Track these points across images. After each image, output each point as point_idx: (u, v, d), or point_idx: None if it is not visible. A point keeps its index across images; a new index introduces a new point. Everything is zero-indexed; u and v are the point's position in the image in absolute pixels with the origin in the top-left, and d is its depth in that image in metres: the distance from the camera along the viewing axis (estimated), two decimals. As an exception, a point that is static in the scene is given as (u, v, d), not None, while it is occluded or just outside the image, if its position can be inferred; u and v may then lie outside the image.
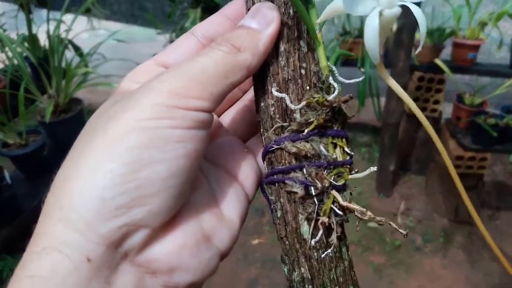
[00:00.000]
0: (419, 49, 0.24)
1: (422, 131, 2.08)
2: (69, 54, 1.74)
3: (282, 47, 0.25)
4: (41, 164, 1.38)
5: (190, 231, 0.23)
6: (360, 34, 2.05)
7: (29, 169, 1.37)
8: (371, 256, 1.74)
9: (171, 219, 0.23)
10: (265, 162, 0.27)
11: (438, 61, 1.86)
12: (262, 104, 0.26)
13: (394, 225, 0.25)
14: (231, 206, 0.26)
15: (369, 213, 0.25)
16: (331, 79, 0.26)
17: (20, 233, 1.23)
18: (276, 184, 0.26)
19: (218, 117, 0.30)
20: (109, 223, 0.20)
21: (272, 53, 0.25)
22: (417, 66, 1.95)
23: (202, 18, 1.98)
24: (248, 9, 0.25)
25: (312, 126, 0.24)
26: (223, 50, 0.23)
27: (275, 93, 0.25)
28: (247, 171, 0.28)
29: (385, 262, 1.71)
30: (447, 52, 1.96)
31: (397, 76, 1.78)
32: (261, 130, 0.27)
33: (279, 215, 0.26)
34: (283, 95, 0.25)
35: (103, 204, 0.20)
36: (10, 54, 1.51)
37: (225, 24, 0.27)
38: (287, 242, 0.26)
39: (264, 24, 0.24)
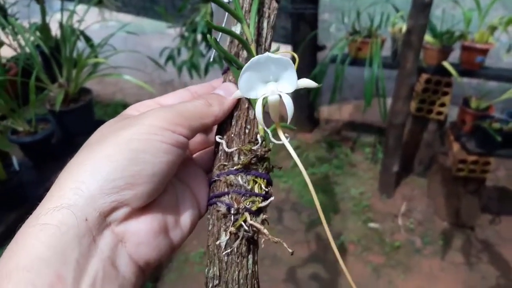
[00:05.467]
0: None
1: (427, 133, 2.08)
2: (80, 44, 1.76)
3: (235, 113, 0.37)
4: (49, 152, 1.40)
5: (157, 220, 0.31)
6: (370, 34, 2.06)
7: (37, 157, 1.39)
8: (370, 256, 1.76)
9: (145, 207, 0.30)
10: (210, 189, 0.37)
11: (446, 64, 1.86)
12: (216, 149, 0.37)
13: (285, 245, 0.33)
14: (187, 214, 0.35)
15: (265, 231, 0.33)
16: (259, 138, 0.35)
17: (25, 220, 1.26)
18: (212, 205, 0.35)
19: (192, 155, 0.41)
20: (106, 197, 0.28)
21: (229, 116, 0.37)
22: (424, 68, 1.96)
23: (212, 13, 1.99)
24: (224, 81, 0.39)
25: (238, 166, 0.34)
26: (201, 102, 0.34)
27: (218, 139, 0.36)
28: (203, 193, 0.37)
29: (384, 263, 1.73)
30: (455, 55, 1.96)
31: (405, 77, 1.78)
32: (213, 166, 0.37)
33: (209, 228, 0.34)
34: (222, 140, 0.36)
35: (105, 183, 0.28)
36: (22, 42, 1.54)
37: (209, 89, 0.39)
38: (210, 249, 0.33)
39: (228, 94, 0.36)
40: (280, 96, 0.31)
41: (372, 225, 1.90)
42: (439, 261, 1.73)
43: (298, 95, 2.30)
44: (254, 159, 0.34)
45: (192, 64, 2.05)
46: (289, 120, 0.33)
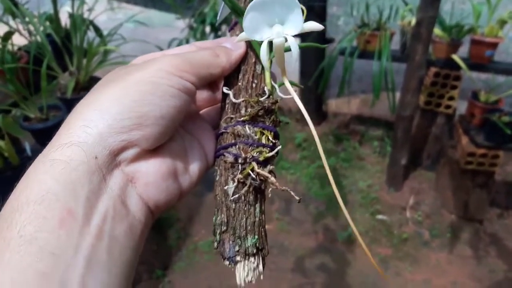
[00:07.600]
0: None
1: (436, 126, 2.08)
2: (90, 34, 1.76)
3: (242, 67, 0.37)
4: (60, 139, 1.41)
5: (166, 164, 0.32)
6: (378, 27, 2.06)
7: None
8: (377, 248, 1.76)
9: (155, 150, 0.31)
10: (217, 141, 0.37)
11: (455, 57, 1.86)
12: (223, 103, 0.38)
13: (292, 193, 0.33)
14: (195, 163, 0.35)
15: (273, 179, 0.33)
16: (266, 90, 0.36)
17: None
18: (220, 156, 0.35)
19: (200, 111, 0.42)
20: (115, 136, 0.28)
21: (236, 70, 0.37)
22: (433, 61, 1.95)
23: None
24: (231, 37, 0.40)
25: (245, 117, 0.35)
26: (208, 52, 0.35)
27: (225, 91, 0.37)
28: (210, 145, 0.38)
29: (391, 254, 1.73)
30: (464, 49, 1.95)
31: (414, 69, 1.78)
32: (220, 120, 0.38)
33: (217, 179, 0.35)
34: (229, 92, 0.36)
35: (114, 122, 0.28)
36: (33, 30, 1.54)
37: (215, 45, 0.39)
38: (218, 198, 0.34)
39: (236, 47, 0.37)
40: (286, 40, 0.31)
41: (380, 217, 1.91)
42: (447, 254, 1.73)
43: (306, 88, 2.30)
44: (261, 111, 0.35)
45: (201, 55, 2.05)
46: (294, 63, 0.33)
